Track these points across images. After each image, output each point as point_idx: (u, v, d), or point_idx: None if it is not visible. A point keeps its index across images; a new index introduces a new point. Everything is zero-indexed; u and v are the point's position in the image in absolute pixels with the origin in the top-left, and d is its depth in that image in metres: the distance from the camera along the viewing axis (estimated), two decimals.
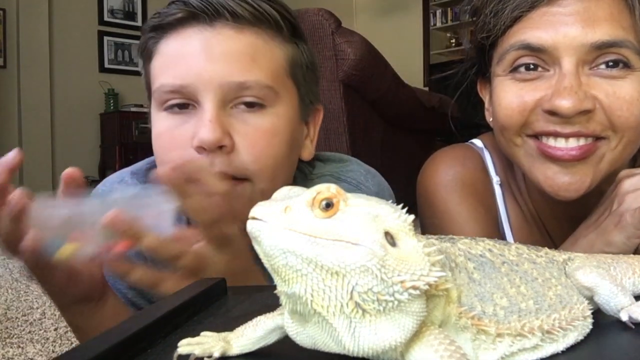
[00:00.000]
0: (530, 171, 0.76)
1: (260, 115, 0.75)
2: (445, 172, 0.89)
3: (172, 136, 0.76)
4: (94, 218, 0.56)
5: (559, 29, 0.69)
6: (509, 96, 0.74)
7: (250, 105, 0.75)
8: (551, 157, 0.72)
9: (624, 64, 0.70)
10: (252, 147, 0.74)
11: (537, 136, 0.74)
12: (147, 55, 0.80)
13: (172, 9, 0.76)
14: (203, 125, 0.72)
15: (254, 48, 0.75)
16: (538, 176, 0.74)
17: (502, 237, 0.88)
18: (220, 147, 0.72)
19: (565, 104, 0.68)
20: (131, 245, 0.59)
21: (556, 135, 0.71)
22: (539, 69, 0.73)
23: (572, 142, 0.71)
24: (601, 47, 0.69)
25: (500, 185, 0.90)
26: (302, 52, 0.83)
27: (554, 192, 0.73)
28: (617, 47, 0.69)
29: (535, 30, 0.71)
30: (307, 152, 0.87)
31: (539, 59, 0.72)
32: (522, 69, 0.73)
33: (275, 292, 0.33)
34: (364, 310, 0.31)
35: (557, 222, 0.84)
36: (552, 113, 0.70)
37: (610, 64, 0.70)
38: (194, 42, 0.74)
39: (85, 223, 0.57)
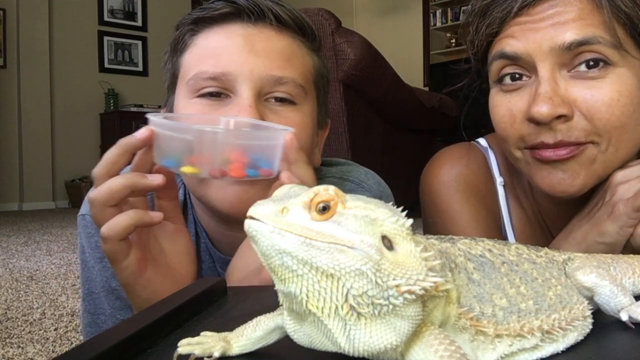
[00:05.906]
0: (530, 176, 0.78)
1: (290, 109, 0.80)
2: (448, 172, 0.89)
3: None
4: (214, 145, 0.61)
5: (528, 36, 0.71)
6: (500, 110, 0.77)
7: (281, 100, 0.79)
8: (544, 160, 0.74)
9: (603, 62, 0.70)
10: None
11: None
12: (181, 47, 0.83)
13: (219, 4, 0.80)
14: (242, 110, 0.75)
15: (291, 49, 0.81)
16: (536, 178, 0.76)
17: (504, 238, 0.87)
18: None
19: (539, 110, 0.69)
20: (243, 174, 0.63)
21: (543, 147, 0.73)
22: (524, 77, 0.74)
23: (560, 150, 0.72)
24: (572, 48, 0.69)
25: (504, 186, 0.90)
26: (323, 65, 0.88)
27: (550, 190, 0.75)
28: (588, 45, 0.69)
29: (510, 39, 0.73)
30: (316, 160, 0.90)
31: (519, 67, 0.74)
32: (507, 79, 0.75)
33: (275, 289, 0.33)
34: (358, 313, 0.31)
35: (563, 224, 0.84)
36: (534, 121, 0.71)
37: (591, 63, 0.70)
38: (237, 36, 0.78)
39: (205, 148, 0.61)
